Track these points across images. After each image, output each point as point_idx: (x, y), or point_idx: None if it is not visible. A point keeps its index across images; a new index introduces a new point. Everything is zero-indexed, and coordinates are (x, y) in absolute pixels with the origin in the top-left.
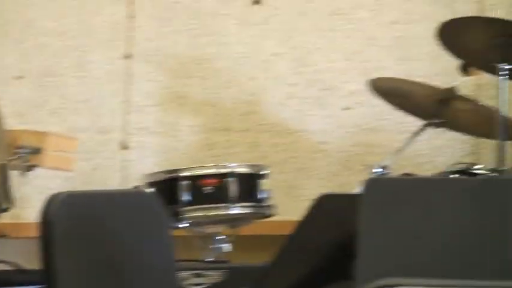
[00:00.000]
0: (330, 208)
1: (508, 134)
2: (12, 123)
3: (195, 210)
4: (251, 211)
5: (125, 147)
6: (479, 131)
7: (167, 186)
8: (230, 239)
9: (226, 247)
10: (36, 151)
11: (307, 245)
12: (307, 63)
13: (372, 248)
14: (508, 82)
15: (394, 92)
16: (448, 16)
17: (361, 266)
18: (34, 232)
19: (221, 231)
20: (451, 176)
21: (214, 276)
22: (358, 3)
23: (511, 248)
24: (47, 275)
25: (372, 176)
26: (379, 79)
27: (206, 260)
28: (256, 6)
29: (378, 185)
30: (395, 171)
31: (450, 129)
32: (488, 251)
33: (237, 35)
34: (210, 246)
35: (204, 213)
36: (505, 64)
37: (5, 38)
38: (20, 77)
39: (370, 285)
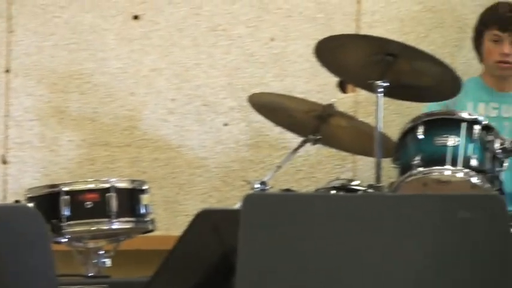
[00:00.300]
0: (210, 223)
1: (384, 152)
2: None
3: (76, 225)
4: (132, 226)
5: (4, 161)
6: (357, 148)
7: (47, 201)
8: (111, 254)
9: (107, 262)
10: None
11: (187, 260)
12: (187, 79)
13: (251, 263)
14: (383, 99)
15: (273, 108)
16: (326, 33)
17: (240, 281)
18: None
19: (102, 246)
20: (330, 191)
21: None
22: (237, 20)
23: (387, 262)
24: None
25: (252, 191)
26: (258, 94)
27: (87, 275)
28: (135, 22)
29: (257, 201)
30: (275, 187)
31: (328, 145)
32: (365, 266)
33: (117, 50)
34: (91, 261)
35: (85, 228)
36: (382, 81)
37: None
38: None
39: None
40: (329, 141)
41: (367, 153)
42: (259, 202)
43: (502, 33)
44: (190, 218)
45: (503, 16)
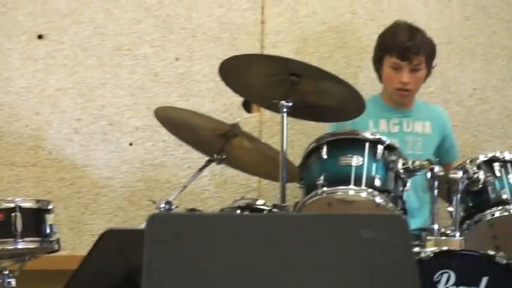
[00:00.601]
0: (115, 243)
1: (288, 176)
2: None
3: None
4: (37, 246)
5: None
6: (260, 171)
7: None
8: (16, 274)
9: (12, 282)
10: None
11: (93, 280)
12: (92, 99)
13: (155, 282)
14: (288, 119)
15: (179, 123)
16: (230, 53)
17: None
18: None
19: (7, 266)
20: (235, 211)
21: None
22: (142, 40)
23: (291, 282)
24: None
25: (157, 211)
26: (165, 108)
27: None
28: (40, 41)
29: (161, 220)
30: (181, 207)
31: (232, 166)
32: (270, 285)
33: (21, 69)
34: None
35: None
36: (286, 101)
37: None
38: None
39: None
40: (233, 162)
41: (271, 176)
42: (164, 222)
43: (401, 62)
44: (95, 238)
45: (402, 45)
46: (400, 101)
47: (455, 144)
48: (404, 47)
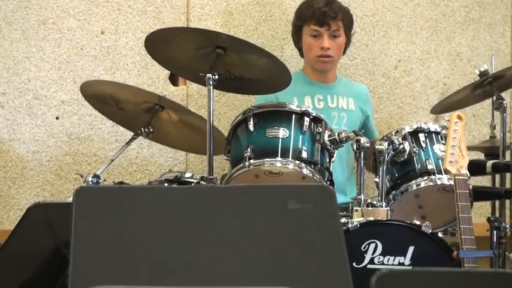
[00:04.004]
0: (42, 217)
1: (216, 148)
2: None
3: None
4: None
5: None
6: (187, 145)
7: None
8: None
9: None
10: None
11: (20, 254)
12: (18, 73)
13: (83, 255)
14: (215, 92)
15: (104, 98)
16: (156, 27)
17: (73, 274)
18: None
19: None
20: (163, 184)
21: None
22: (67, 13)
23: (220, 253)
24: None
25: (84, 184)
26: (89, 83)
27: None
28: None
29: (89, 194)
30: (108, 180)
31: (160, 142)
32: (198, 256)
33: None
34: None
35: None
36: (212, 74)
37: None
38: None
39: None
40: (160, 136)
41: (198, 150)
42: (91, 195)
43: (320, 28)
44: (23, 212)
45: (319, 11)
46: (321, 68)
47: (374, 125)
48: (321, 12)
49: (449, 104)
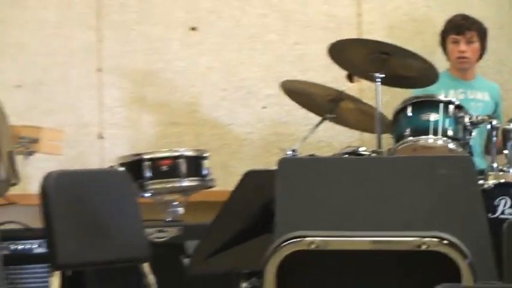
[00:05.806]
0: (254, 180)
1: (383, 128)
2: (15, 121)
3: (156, 183)
4: (197, 183)
5: (100, 137)
6: (361, 126)
7: (134, 166)
8: (182, 205)
9: (180, 210)
10: (34, 141)
11: (237, 209)
12: (234, 74)
13: (286, 209)
14: (381, 87)
15: (299, 92)
16: (336, 38)
17: (278, 223)
18: (36, 200)
19: (176, 198)
20: (344, 156)
21: (172, 231)
22: (269, 29)
23: (388, 208)
24: (47, 231)
25: (285, 156)
26: (288, 81)
27: (165, 220)
28: (193, 32)
29: (289, 163)
30: (303, 153)
31: (340, 124)
32: (369, 212)
33: (179, 53)
34: (168, 210)
35: (162, 186)
36: (379, 73)
37: (4, 56)
38: (19, 86)
39: (284, 237)
40: (340, 120)
41: (369, 130)
42: (291, 164)
43: (457, 36)
44: (239, 177)
45: (457, 23)
46: (460, 67)
47: (501, 113)
48: (458, 24)
49: None
